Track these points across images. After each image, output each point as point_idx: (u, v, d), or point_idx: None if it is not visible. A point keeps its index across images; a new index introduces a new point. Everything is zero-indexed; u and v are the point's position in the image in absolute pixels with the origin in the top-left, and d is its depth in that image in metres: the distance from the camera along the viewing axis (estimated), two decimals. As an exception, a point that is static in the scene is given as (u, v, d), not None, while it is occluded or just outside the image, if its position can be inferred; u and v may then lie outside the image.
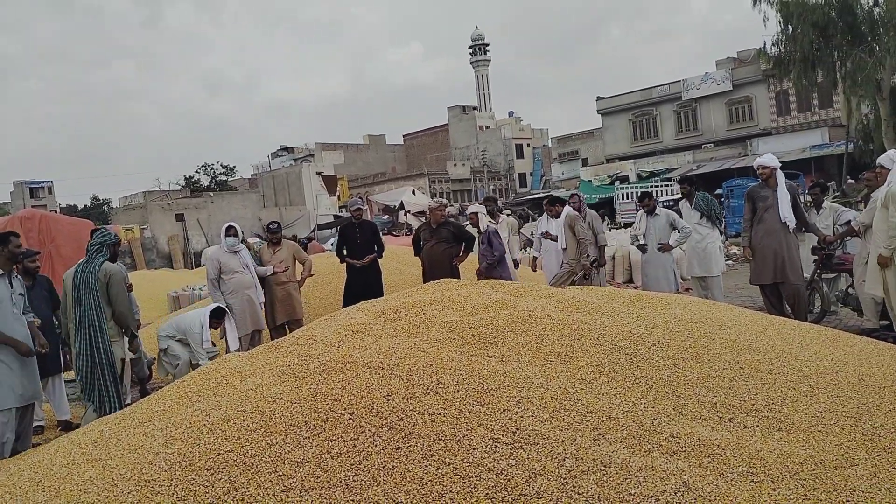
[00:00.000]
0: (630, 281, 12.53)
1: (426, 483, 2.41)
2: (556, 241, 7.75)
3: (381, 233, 8.85)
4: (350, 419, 2.76)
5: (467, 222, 7.99)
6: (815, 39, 25.09)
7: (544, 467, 2.45)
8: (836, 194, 22.96)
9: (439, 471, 2.46)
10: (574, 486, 2.36)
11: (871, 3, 24.61)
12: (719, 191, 22.67)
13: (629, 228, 14.62)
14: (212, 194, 39.27)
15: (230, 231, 7.19)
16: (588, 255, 7.59)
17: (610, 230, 18.71)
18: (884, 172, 5.63)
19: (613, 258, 12.82)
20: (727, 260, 12.53)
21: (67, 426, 5.77)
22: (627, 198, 28.56)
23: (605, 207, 28.64)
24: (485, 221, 7.60)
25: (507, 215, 11.35)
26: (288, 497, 2.38)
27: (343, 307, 6.32)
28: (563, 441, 2.60)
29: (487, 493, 2.34)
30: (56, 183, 59.88)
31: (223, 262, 7.05)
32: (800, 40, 25.37)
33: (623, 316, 3.90)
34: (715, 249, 8.07)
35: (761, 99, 38.01)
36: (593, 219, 8.22)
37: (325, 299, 8.77)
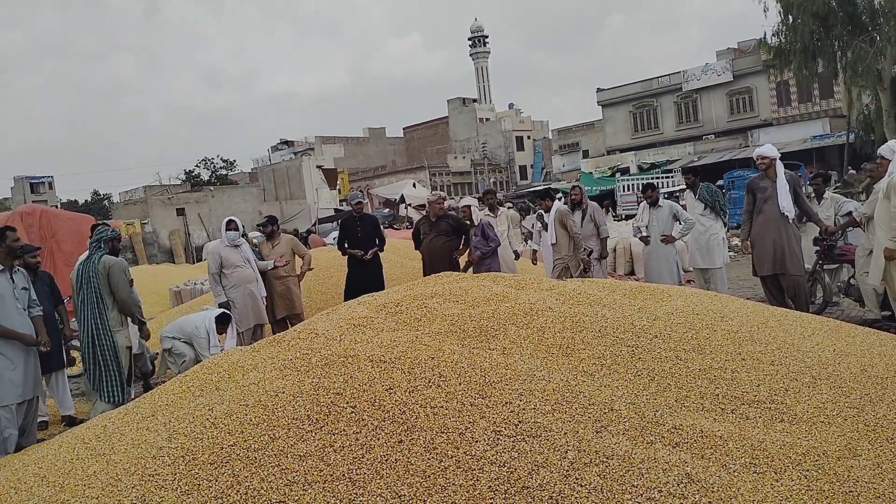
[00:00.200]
0: (631, 273, 12.52)
1: (429, 476, 2.41)
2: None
3: (381, 226, 8.85)
4: (352, 413, 2.77)
5: (461, 215, 7.95)
6: (815, 29, 25.00)
7: (547, 460, 2.45)
8: (838, 185, 22.92)
9: (442, 464, 2.46)
10: (577, 479, 2.36)
11: (871, -7, 24.51)
12: (720, 182, 22.60)
13: (630, 220, 14.62)
14: (212, 188, 39.22)
15: (230, 225, 7.19)
16: (585, 249, 7.59)
17: (615, 221, 18.69)
18: (884, 163, 5.61)
19: (615, 250, 12.81)
20: (730, 251, 12.52)
21: (71, 421, 5.79)
22: (628, 190, 28.52)
23: (608, 199, 28.60)
24: (478, 214, 7.60)
25: (508, 208, 11.35)
26: (291, 490, 2.39)
27: (344, 301, 6.32)
28: (565, 433, 2.61)
29: (490, 486, 2.35)
30: (56, 178, 59.80)
31: (224, 256, 7.04)
32: (800, 30, 25.28)
33: (624, 308, 3.89)
34: (718, 241, 8.06)
35: (762, 89, 37.90)
36: (595, 211, 8.20)
37: (326, 293, 8.78)
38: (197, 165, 48.77)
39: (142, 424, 3.10)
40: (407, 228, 24.92)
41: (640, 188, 11.66)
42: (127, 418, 3.28)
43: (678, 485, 2.32)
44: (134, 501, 2.45)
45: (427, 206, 7.96)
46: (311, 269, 7.80)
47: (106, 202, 62.34)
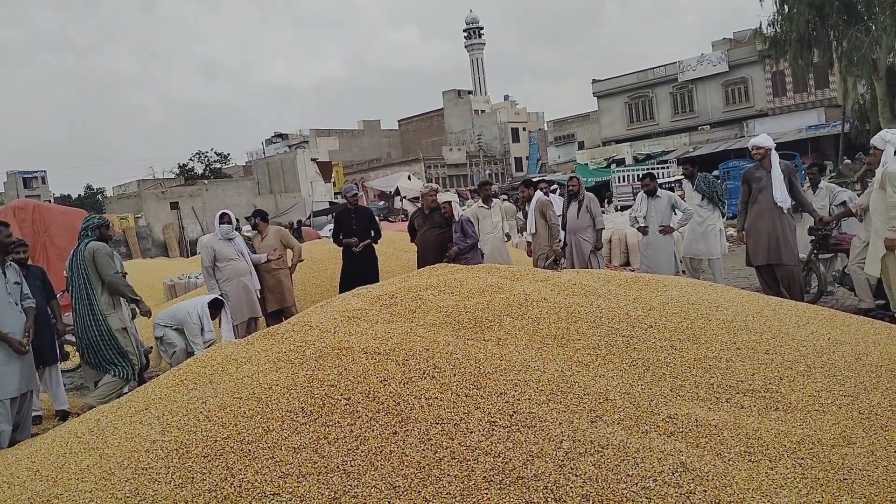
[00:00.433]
0: (627, 264, 12.52)
1: (423, 467, 2.40)
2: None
3: (377, 218, 8.82)
4: (347, 404, 2.75)
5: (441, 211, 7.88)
6: (811, 19, 24.93)
7: (542, 450, 2.45)
8: (833, 174, 22.95)
9: (436, 454, 2.46)
10: (572, 468, 2.36)
11: (866, -17, 24.44)
12: (716, 172, 22.61)
13: (626, 211, 14.61)
14: (206, 182, 39.11)
15: (224, 218, 7.15)
16: (559, 241, 7.64)
17: (617, 211, 18.69)
18: (878, 153, 5.60)
19: (610, 241, 12.81)
20: (727, 242, 12.53)
21: (65, 416, 5.77)
22: (624, 181, 28.52)
23: (606, 191, 28.61)
24: (458, 209, 7.61)
25: (503, 200, 11.35)
26: (285, 483, 2.38)
27: (339, 293, 6.30)
28: (560, 423, 2.60)
29: (485, 476, 2.34)
30: (49, 173, 59.59)
31: (218, 249, 7.01)
32: (796, 20, 25.20)
33: (619, 298, 3.89)
34: (715, 231, 8.07)
35: (757, 80, 37.87)
36: (591, 202, 8.20)
37: (321, 286, 8.76)
38: (191, 159, 48.63)
39: (135, 418, 3.09)
40: (402, 221, 24.86)
41: (639, 177, 11.65)
42: (120, 412, 3.27)
43: (673, 474, 2.32)
44: (127, 495, 2.44)
45: (420, 198, 7.95)
46: (301, 261, 7.76)
47: (99, 196, 62.06)
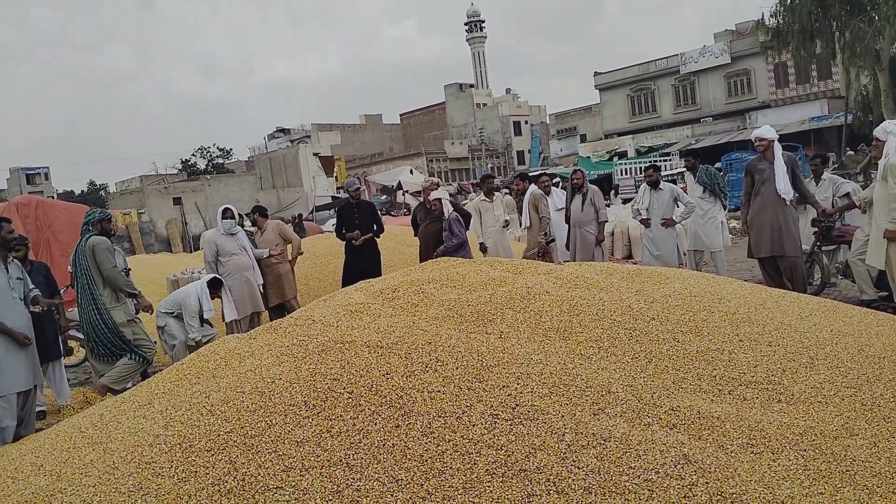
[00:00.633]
0: (629, 256, 12.52)
1: (426, 460, 2.41)
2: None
3: (379, 212, 8.82)
4: (349, 398, 2.76)
5: (432, 208, 7.84)
6: (813, 10, 24.79)
7: (544, 442, 2.45)
8: (836, 166, 22.87)
9: (439, 448, 2.46)
10: (574, 461, 2.36)
11: (869, -27, 24.29)
12: (718, 165, 22.56)
13: (628, 204, 14.59)
14: (209, 177, 39.09)
15: (226, 213, 7.15)
16: (547, 234, 7.65)
17: (622, 205, 18.66)
18: (880, 145, 5.58)
19: (612, 234, 12.79)
20: (730, 234, 12.51)
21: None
22: (626, 174, 28.46)
23: (610, 185, 28.56)
24: (448, 207, 7.58)
25: (505, 194, 11.33)
26: (288, 476, 2.38)
27: (342, 287, 6.31)
28: (562, 416, 2.60)
29: (487, 469, 2.34)
30: (52, 169, 59.64)
31: (220, 244, 7.02)
32: (798, 11, 25.07)
33: (622, 291, 3.89)
34: (717, 224, 8.06)
35: (760, 71, 37.71)
36: (594, 194, 8.21)
37: (323, 280, 8.77)
38: (193, 154, 48.61)
39: (138, 412, 3.10)
40: (404, 215, 24.87)
41: (643, 168, 11.63)
42: (123, 406, 3.28)
43: (676, 466, 2.32)
44: (131, 489, 2.45)
45: (422, 192, 7.95)
46: (301, 254, 7.76)
47: (102, 192, 62.05)
